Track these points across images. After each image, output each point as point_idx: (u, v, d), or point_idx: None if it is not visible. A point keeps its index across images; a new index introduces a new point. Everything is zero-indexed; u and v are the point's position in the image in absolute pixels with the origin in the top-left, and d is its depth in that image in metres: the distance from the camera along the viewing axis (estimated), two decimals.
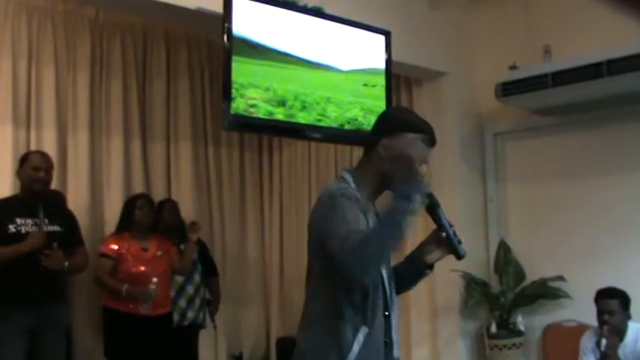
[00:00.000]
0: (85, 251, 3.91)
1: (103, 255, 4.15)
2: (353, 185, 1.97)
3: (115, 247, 4.14)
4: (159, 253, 4.25)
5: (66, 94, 4.56)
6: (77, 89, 4.59)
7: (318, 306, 1.93)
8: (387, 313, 1.96)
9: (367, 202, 1.96)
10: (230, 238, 5.42)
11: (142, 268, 4.14)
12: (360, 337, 1.87)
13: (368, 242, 1.77)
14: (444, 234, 2.02)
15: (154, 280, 4.01)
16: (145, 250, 4.21)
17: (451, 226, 2.03)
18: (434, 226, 2.06)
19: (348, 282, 1.84)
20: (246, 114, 3.36)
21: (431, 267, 2.06)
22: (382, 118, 2.10)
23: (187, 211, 4.84)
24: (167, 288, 4.30)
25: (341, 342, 1.87)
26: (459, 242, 2.03)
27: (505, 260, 4.66)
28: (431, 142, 2.02)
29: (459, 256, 2.03)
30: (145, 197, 4.37)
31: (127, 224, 4.24)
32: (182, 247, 4.45)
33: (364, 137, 2.09)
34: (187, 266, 4.43)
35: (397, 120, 2.05)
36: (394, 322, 2.01)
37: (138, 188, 4.75)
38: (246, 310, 5.54)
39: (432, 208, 2.01)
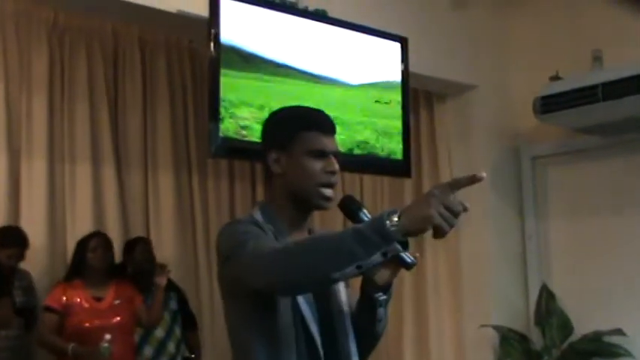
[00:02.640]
0: (7, 305, 3.99)
1: (47, 309, 4.15)
2: (261, 219, 1.92)
3: (63, 298, 4.15)
4: (117, 302, 4.26)
5: (18, 113, 4.60)
6: (32, 107, 4.62)
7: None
8: None
9: (286, 234, 1.93)
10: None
11: (94, 322, 4.14)
12: None
13: (291, 249, 1.73)
14: None
15: (107, 337, 4.00)
16: (100, 299, 4.22)
17: None
18: None
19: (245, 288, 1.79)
20: (237, 137, 3.38)
21: (385, 289, 1.94)
22: (263, 129, 2.04)
23: (168, 252, 4.88)
24: (128, 342, 4.30)
25: None
26: (404, 247, 1.85)
27: (548, 310, 4.65)
28: (323, 127, 1.96)
29: (407, 266, 1.89)
30: (101, 236, 4.38)
31: (77, 269, 4.25)
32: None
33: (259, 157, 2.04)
34: (157, 317, 4.42)
35: (272, 124, 2.02)
36: None
37: (111, 225, 4.79)
38: None
39: (354, 214, 1.93)
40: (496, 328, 4.60)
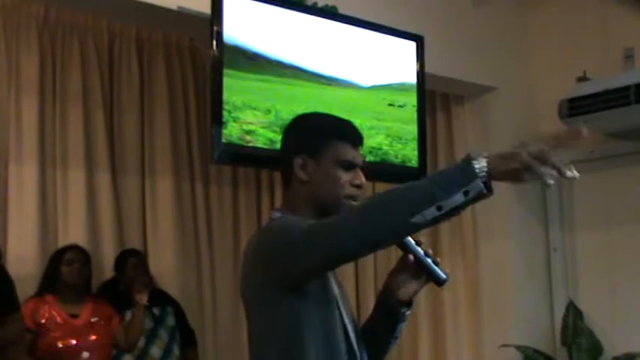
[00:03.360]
0: (21, 319, 3.90)
1: None
2: None
3: (35, 314, 4.07)
4: (94, 319, 4.20)
5: (7, 114, 4.58)
6: (21, 108, 4.60)
7: None
8: None
9: None
10: (223, 299, 5.37)
11: (70, 341, 4.09)
12: None
13: (369, 204, 1.76)
14: (411, 257, 1.99)
15: (85, 355, 3.98)
16: (75, 316, 4.17)
17: (419, 244, 2.01)
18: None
19: (318, 265, 1.80)
20: (241, 143, 3.37)
21: (408, 304, 2.04)
22: (288, 133, 2.10)
23: (167, 263, 4.85)
24: None
25: None
26: (436, 263, 2.00)
27: (576, 329, 4.62)
28: (353, 139, 2.03)
29: (440, 282, 2.00)
30: (77, 250, 4.31)
31: (50, 284, 4.20)
32: (128, 314, 4.38)
33: (279, 162, 2.09)
34: (135, 340, 4.33)
35: (301, 129, 2.07)
36: None
37: (106, 234, 4.76)
38: None
39: None
40: (518, 348, 4.56)
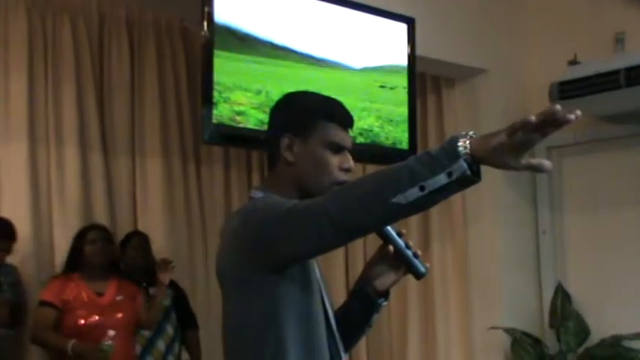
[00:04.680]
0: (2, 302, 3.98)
1: (43, 303, 4.11)
2: None
3: (61, 292, 4.12)
4: (118, 298, 4.25)
5: None
6: (10, 88, 4.59)
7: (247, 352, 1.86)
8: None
9: None
10: (215, 278, 5.37)
11: (96, 318, 4.12)
12: None
13: (349, 187, 1.71)
14: (391, 247, 1.95)
15: (111, 333, 3.98)
16: (100, 294, 4.20)
17: (401, 235, 1.97)
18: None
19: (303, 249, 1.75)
20: (231, 123, 3.37)
21: (385, 295, 2.02)
22: (275, 111, 2.02)
23: (158, 244, 4.83)
24: (130, 343, 4.29)
25: None
26: (416, 256, 1.96)
27: (564, 311, 4.66)
28: (344, 121, 1.96)
29: (418, 275, 1.97)
30: (100, 229, 4.37)
31: (75, 263, 4.24)
32: (152, 291, 4.45)
33: (263, 141, 2.05)
34: (156, 318, 4.42)
35: (289, 107, 2.00)
36: None
37: (98, 214, 4.76)
38: None
39: None
40: (507, 330, 4.60)
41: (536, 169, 1.61)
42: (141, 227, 4.94)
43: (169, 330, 4.57)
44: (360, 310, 2.03)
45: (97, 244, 4.26)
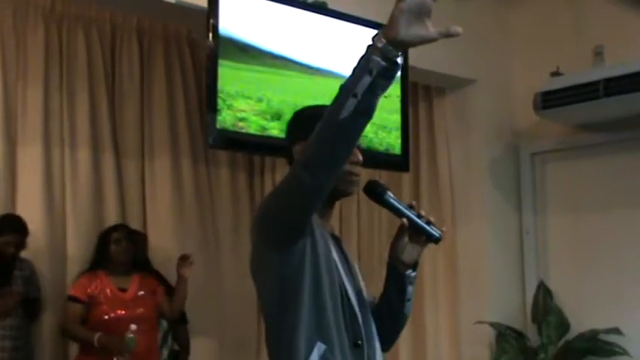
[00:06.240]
0: (11, 292, 4.03)
1: (71, 298, 4.19)
2: None
3: (87, 288, 4.19)
4: (141, 293, 4.32)
5: (15, 100, 4.60)
6: (27, 94, 4.62)
7: (274, 328, 1.92)
8: (359, 342, 1.94)
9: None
10: (229, 277, 5.39)
11: (119, 312, 4.18)
12: (315, 357, 1.85)
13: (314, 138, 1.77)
14: (405, 220, 2.02)
15: (133, 327, 4.04)
16: (124, 290, 4.27)
17: (412, 207, 2.04)
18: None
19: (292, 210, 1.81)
20: (234, 129, 3.38)
21: (414, 267, 2.06)
22: (289, 124, 2.13)
23: (165, 243, 4.87)
24: (152, 336, 4.36)
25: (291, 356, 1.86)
26: (428, 223, 2.02)
27: (545, 307, 4.66)
28: None
29: (435, 239, 2.03)
30: (123, 228, 4.45)
31: (101, 261, 4.31)
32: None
33: (282, 150, 2.14)
34: (178, 309, 4.49)
35: (298, 119, 2.10)
36: (376, 356, 2.00)
37: (110, 214, 4.80)
38: None
39: (380, 197, 2.03)
40: (492, 324, 4.61)
41: (448, 34, 1.67)
42: (150, 226, 4.96)
43: (164, 324, 4.64)
44: (394, 287, 2.07)
45: (122, 244, 4.34)
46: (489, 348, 4.65)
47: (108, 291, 4.23)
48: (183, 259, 4.48)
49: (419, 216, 2.02)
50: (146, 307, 4.29)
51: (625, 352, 4.35)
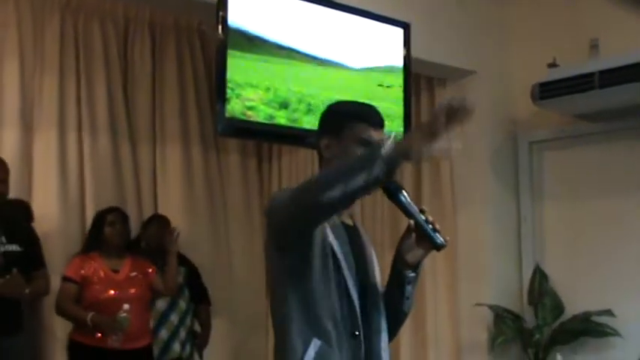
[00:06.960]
0: (47, 275, 3.99)
1: (66, 279, 4.18)
2: None
3: (81, 269, 4.19)
4: (133, 274, 4.31)
5: (32, 90, 4.63)
6: (43, 81, 4.64)
7: (273, 315, 2.01)
8: (356, 333, 1.96)
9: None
10: (238, 259, 5.42)
11: (112, 293, 4.18)
12: (312, 353, 1.89)
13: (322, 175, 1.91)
14: (412, 222, 2.03)
15: (125, 306, 4.04)
16: (116, 271, 4.27)
17: (422, 211, 2.04)
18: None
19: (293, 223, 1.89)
20: (242, 117, 3.42)
21: (415, 268, 2.06)
22: (320, 119, 2.18)
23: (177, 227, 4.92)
24: (145, 316, 4.34)
25: (288, 354, 1.91)
26: (434, 230, 2.01)
27: (541, 290, 4.68)
28: (372, 120, 2.07)
29: (436, 246, 2.01)
30: (117, 212, 4.42)
31: (94, 242, 4.30)
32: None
33: (313, 144, 2.22)
34: (173, 284, 4.45)
35: (332, 113, 2.15)
36: (380, 346, 2.02)
37: (130, 199, 4.85)
38: (245, 343, 5.54)
39: (392, 193, 2.03)
40: (490, 307, 4.64)
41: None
42: (161, 210, 5.00)
43: (182, 305, 4.62)
44: (395, 283, 2.09)
45: (116, 226, 4.32)
46: (487, 329, 4.68)
47: (101, 272, 4.21)
48: (170, 234, 4.49)
49: (426, 221, 2.02)
50: (138, 288, 4.28)
51: (616, 333, 4.39)
